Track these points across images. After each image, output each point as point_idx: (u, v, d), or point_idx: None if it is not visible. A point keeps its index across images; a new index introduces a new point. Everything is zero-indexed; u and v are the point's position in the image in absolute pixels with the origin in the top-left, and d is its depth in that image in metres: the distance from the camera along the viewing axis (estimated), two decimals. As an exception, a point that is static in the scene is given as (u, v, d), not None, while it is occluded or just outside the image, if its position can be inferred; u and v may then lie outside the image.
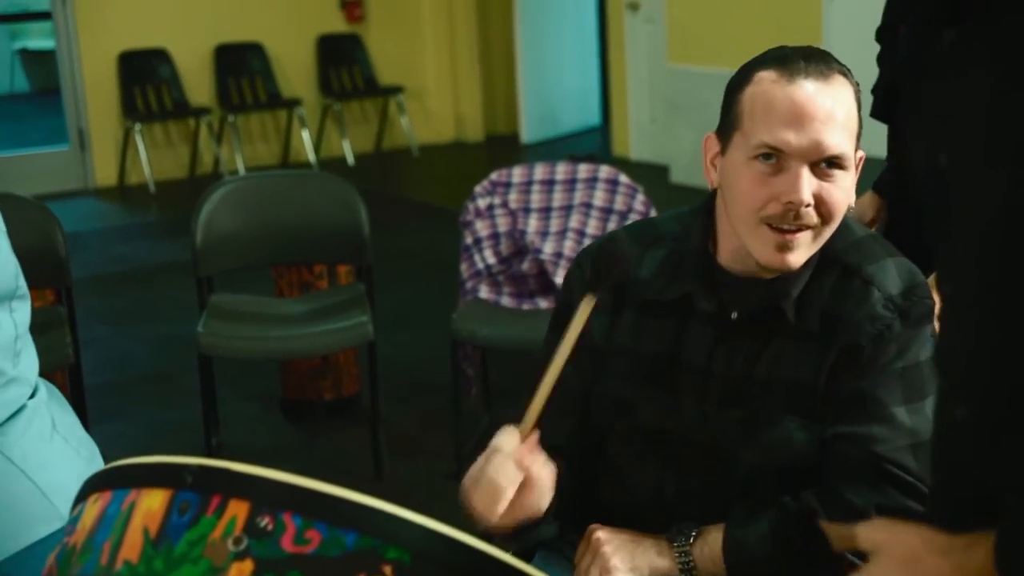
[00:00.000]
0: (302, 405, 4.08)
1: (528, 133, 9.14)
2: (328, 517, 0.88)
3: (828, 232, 1.51)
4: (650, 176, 7.52)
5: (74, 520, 0.99)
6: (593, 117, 9.70)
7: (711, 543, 1.53)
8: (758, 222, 1.49)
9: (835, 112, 1.47)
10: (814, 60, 1.49)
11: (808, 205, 1.47)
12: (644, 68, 8.20)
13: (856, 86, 1.53)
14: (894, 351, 1.51)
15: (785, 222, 1.48)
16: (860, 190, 1.62)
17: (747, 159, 1.50)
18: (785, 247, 1.48)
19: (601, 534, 1.57)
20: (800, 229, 1.48)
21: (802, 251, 1.50)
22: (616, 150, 8.46)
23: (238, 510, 0.90)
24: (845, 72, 1.52)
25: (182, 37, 8.12)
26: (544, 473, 1.43)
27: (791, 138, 1.46)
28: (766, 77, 1.50)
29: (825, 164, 1.48)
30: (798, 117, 1.46)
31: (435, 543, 0.88)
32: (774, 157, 1.48)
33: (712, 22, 7.15)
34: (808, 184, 1.47)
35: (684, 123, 7.23)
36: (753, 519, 1.53)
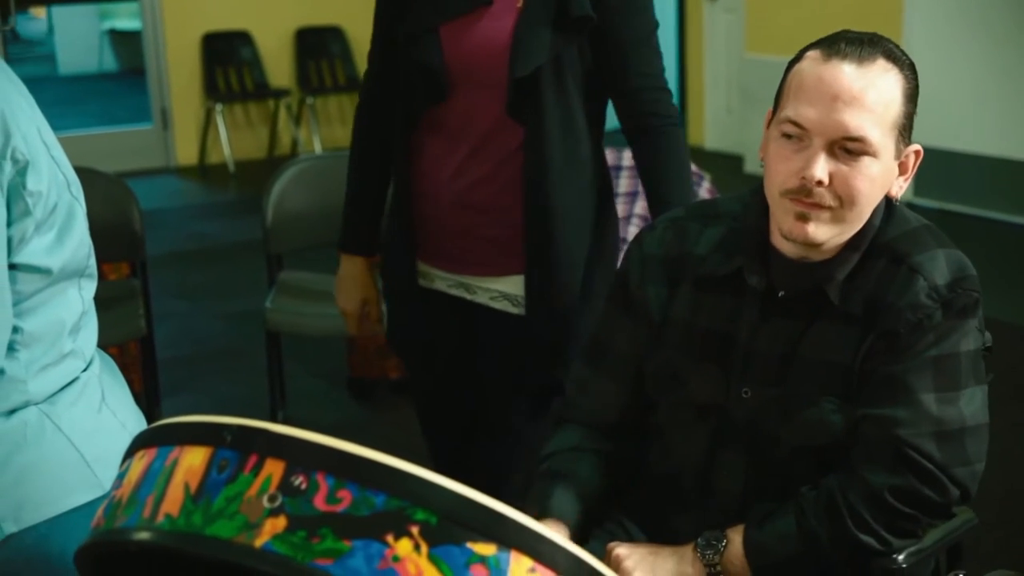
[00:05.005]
0: (367, 383, 4.14)
1: (603, 121, 9.11)
2: (359, 478, 0.91)
3: (851, 216, 1.50)
4: (724, 166, 7.47)
5: (121, 475, 1.03)
6: (670, 106, 9.63)
7: (735, 546, 1.54)
8: (780, 196, 1.50)
9: (864, 95, 1.45)
10: (858, 43, 1.48)
11: (820, 183, 1.46)
12: (722, 58, 8.13)
13: (908, 77, 1.50)
14: (931, 339, 1.50)
15: (801, 196, 1.48)
16: (918, 184, 1.60)
17: (778, 135, 1.51)
18: (804, 216, 1.48)
19: (621, 551, 1.58)
20: (816, 206, 1.48)
21: (823, 228, 1.49)
22: (691, 139, 8.40)
23: (274, 469, 0.93)
24: (896, 59, 1.49)
25: (264, 20, 8.24)
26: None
27: (811, 114, 1.46)
28: (810, 56, 1.51)
29: (847, 147, 1.47)
30: (822, 95, 1.46)
31: (461, 506, 0.91)
32: (797, 134, 1.48)
33: (791, 12, 7.07)
34: (822, 163, 1.46)
35: (760, 113, 7.05)
36: (771, 517, 1.53)
